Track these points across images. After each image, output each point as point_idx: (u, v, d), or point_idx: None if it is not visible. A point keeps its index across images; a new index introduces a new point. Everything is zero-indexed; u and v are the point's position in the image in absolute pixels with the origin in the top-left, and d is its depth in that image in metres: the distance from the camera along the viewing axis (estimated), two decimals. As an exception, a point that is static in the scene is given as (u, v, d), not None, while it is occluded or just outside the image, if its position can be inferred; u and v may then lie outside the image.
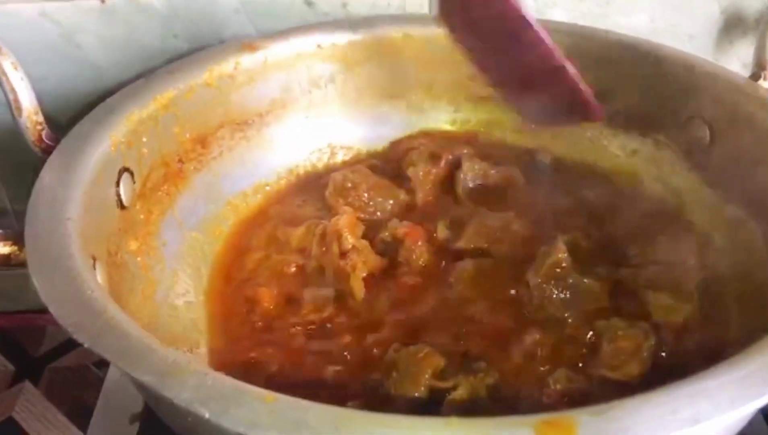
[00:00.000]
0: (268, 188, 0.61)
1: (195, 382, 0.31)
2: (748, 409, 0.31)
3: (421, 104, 0.66)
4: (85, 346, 0.33)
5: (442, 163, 0.61)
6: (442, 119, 0.66)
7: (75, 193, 0.43)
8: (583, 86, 0.48)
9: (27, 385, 0.73)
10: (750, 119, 0.51)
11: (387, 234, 0.54)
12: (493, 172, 0.60)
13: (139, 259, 0.49)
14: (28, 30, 0.65)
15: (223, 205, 0.58)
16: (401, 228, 0.53)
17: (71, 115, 0.54)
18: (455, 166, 0.61)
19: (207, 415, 0.30)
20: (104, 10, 0.67)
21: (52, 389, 0.72)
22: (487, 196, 0.59)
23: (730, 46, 0.75)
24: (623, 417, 0.30)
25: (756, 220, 0.49)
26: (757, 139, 0.50)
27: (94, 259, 0.42)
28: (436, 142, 0.63)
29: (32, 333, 0.77)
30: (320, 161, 0.64)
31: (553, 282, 0.49)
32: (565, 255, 0.49)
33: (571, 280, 0.49)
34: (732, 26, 0.74)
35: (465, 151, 0.62)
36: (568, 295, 0.49)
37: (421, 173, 0.60)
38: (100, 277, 0.41)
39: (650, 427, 0.30)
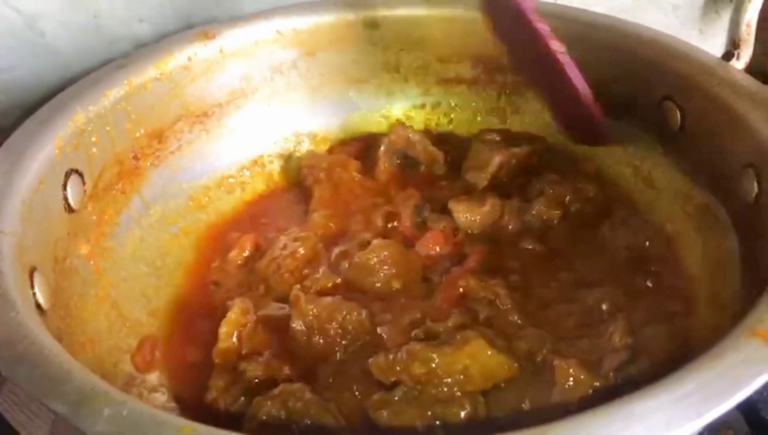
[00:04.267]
0: (231, 181, 0.60)
1: (110, 412, 0.30)
2: (684, 431, 0.30)
3: (389, 88, 0.64)
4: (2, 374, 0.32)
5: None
6: (411, 103, 0.64)
7: (12, 202, 0.42)
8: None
9: (11, 377, 0.73)
10: (720, 102, 0.48)
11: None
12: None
13: (91, 262, 0.48)
14: (-9, 19, 0.64)
15: (184, 200, 0.57)
16: None
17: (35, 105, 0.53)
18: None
19: (121, 448, 0.29)
20: (67, -4, 0.65)
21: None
22: None
23: (717, 17, 0.72)
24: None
25: (725, 207, 0.48)
26: (726, 124, 0.47)
27: (33, 271, 0.41)
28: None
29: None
30: (286, 150, 0.62)
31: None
32: None
33: None
34: (718, -5, 0.71)
35: None
36: None
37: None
38: (39, 288, 0.40)
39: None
